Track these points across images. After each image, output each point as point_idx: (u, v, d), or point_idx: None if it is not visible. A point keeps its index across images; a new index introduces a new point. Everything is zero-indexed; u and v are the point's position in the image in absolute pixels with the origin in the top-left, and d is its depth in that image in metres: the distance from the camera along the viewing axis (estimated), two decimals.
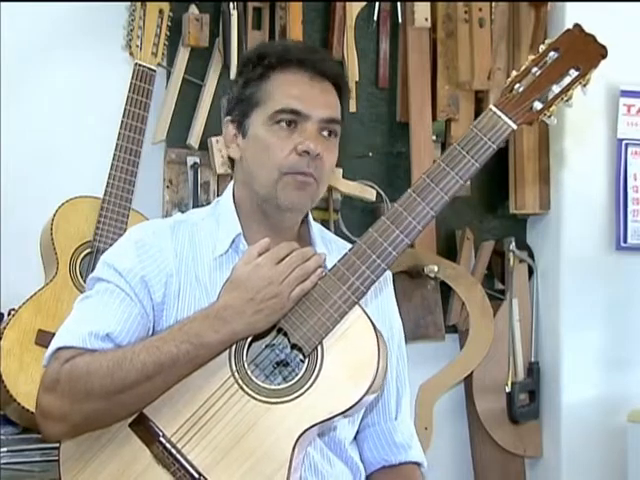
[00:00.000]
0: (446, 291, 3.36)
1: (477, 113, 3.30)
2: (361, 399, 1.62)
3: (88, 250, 2.70)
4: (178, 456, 1.63)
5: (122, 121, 2.77)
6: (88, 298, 1.75)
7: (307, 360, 1.64)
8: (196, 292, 1.74)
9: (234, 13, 3.01)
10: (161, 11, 2.90)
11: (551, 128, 3.31)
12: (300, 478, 1.67)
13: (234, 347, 1.65)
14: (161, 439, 1.64)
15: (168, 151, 3.03)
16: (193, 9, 3.00)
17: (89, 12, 2.91)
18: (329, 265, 1.67)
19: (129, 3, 2.89)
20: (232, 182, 1.85)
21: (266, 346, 1.66)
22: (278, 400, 1.63)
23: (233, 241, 1.78)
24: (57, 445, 1.71)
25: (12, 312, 2.60)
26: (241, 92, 1.80)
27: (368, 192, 3.24)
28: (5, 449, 2.43)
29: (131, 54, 2.86)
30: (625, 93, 3.40)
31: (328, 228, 2.83)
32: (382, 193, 3.26)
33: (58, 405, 1.65)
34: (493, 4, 3.36)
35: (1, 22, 2.82)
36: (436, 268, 3.26)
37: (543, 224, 3.48)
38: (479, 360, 3.34)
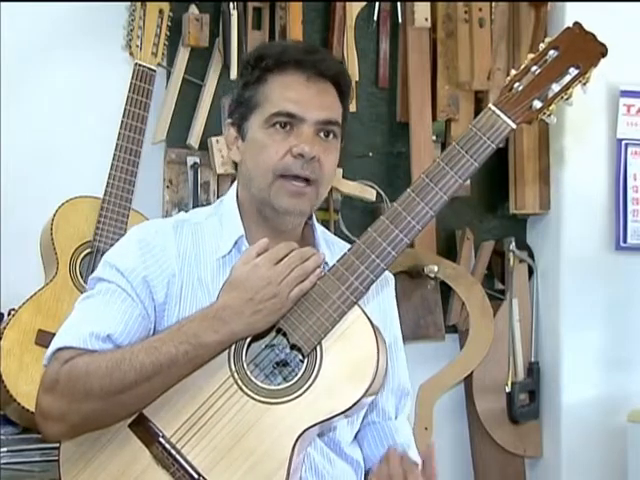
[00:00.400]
0: (446, 291, 3.36)
1: (477, 113, 3.25)
2: (361, 399, 1.62)
3: (88, 250, 2.70)
4: (178, 456, 1.63)
5: (122, 121, 2.77)
6: (89, 298, 1.74)
7: (306, 360, 1.64)
8: (198, 292, 1.74)
9: (234, 13, 3.01)
10: (161, 11, 2.90)
11: (551, 128, 3.31)
12: (300, 479, 1.67)
13: (233, 347, 1.65)
14: (161, 439, 1.64)
15: (168, 151, 3.02)
16: (193, 9, 3.00)
17: (89, 12, 2.91)
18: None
19: (129, 3, 2.89)
20: (236, 182, 1.85)
21: (265, 346, 1.66)
22: (277, 400, 1.63)
23: (236, 242, 1.77)
24: (57, 445, 1.71)
25: (12, 312, 2.60)
26: (240, 95, 1.80)
27: (368, 192, 3.24)
28: (5, 449, 2.43)
29: (131, 54, 2.86)
30: (625, 93, 3.39)
31: (328, 228, 2.83)
32: (382, 193, 3.26)
33: (57, 405, 1.65)
34: (493, 4, 3.35)
35: (1, 22, 2.82)
36: (436, 268, 3.26)
37: (543, 224, 3.47)
38: (479, 360, 3.34)
